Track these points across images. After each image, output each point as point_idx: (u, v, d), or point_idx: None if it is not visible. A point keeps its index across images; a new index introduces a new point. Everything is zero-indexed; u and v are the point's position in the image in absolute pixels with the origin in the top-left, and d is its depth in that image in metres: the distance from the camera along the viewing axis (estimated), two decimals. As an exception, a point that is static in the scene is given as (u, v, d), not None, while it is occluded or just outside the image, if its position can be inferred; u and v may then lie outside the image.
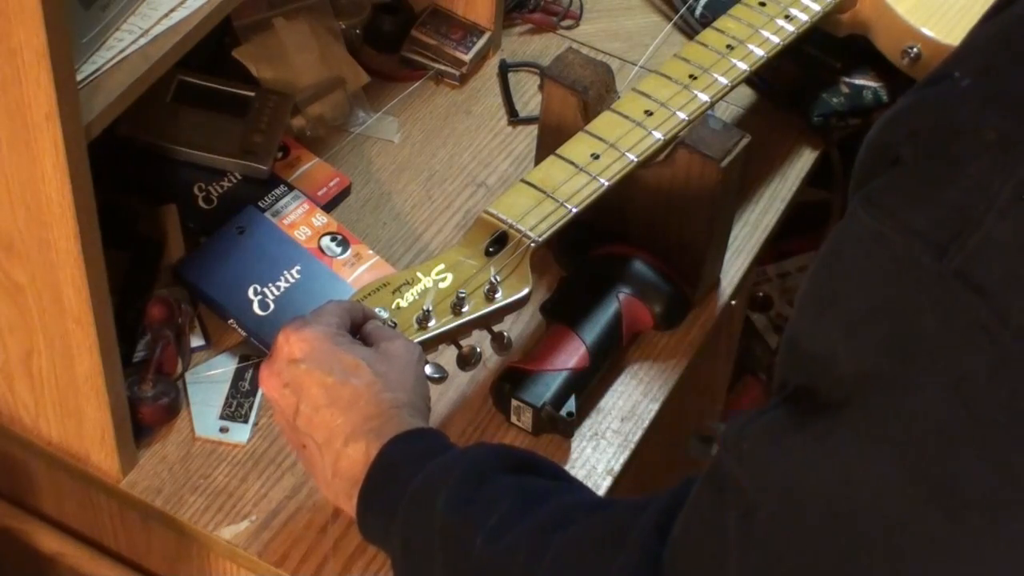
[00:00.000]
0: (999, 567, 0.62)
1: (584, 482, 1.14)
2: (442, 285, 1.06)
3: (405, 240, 1.32)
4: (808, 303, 0.68)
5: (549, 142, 1.22)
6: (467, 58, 1.47)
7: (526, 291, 1.08)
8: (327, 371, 0.94)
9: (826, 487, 0.65)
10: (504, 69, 1.49)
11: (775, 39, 1.30)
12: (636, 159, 1.17)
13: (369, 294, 1.05)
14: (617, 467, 1.16)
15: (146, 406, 1.13)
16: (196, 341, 1.20)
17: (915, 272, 0.61)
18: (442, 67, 1.47)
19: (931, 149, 0.62)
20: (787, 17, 1.32)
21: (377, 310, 1.03)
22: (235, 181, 1.30)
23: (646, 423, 1.19)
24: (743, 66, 1.27)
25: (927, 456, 0.61)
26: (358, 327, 1.00)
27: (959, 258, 0.59)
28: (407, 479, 0.88)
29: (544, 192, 1.13)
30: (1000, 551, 0.61)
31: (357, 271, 1.24)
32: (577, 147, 1.17)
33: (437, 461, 0.88)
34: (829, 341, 0.65)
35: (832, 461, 0.65)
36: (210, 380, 1.18)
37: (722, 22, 1.31)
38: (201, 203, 1.28)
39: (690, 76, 1.24)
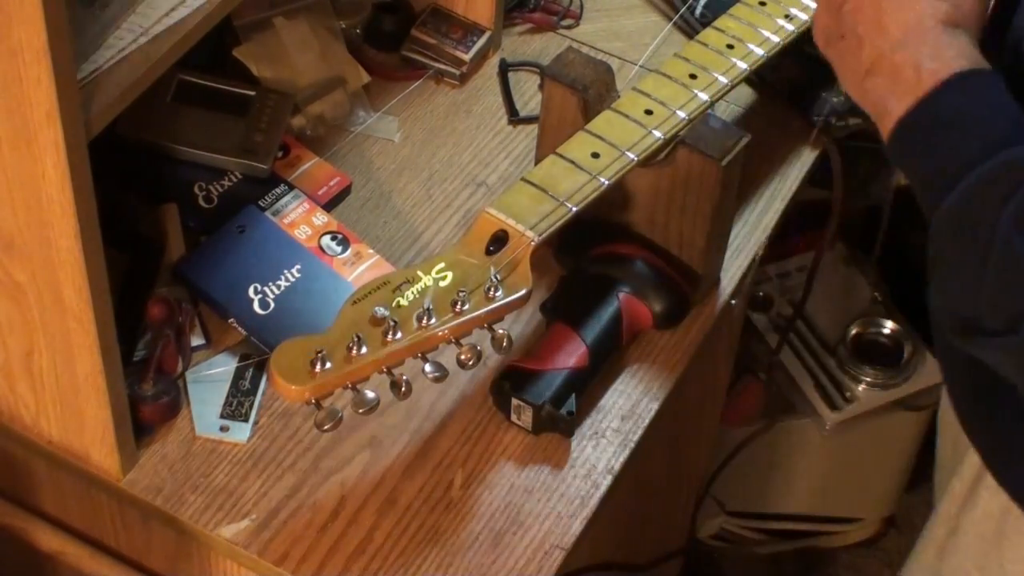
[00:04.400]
0: None
1: (584, 481, 1.15)
2: (442, 284, 1.06)
3: (405, 239, 1.32)
4: None
5: (549, 141, 1.22)
6: (467, 57, 1.47)
7: (526, 290, 1.08)
8: None
9: None
10: (504, 68, 1.49)
11: (775, 38, 1.30)
12: (636, 158, 1.17)
13: (369, 292, 1.05)
14: (617, 466, 1.16)
15: (146, 405, 1.13)
16: (196, 340, 1.20)
17: None
18: (442, 66, 1.47)
19: None
20: (787, 16, 1.32)
21: (377, 309, 1.03)
22: (235, 180, 1.30)
23: (646, 422, 1.20)
24: (743, 65, 1.27)
25: None
26: None
27: None
28: (965, 148, 0.83)
29: (544, 191, 1.13)
30: None
31: (357, 270, 1.24)
32: (577, 146, 1.17)
33: (1008, 155, 0.82)
34: None
35: None
36: (210, 379, 1.18)
37: (722, 21, 1.31)
38: (201, 202, 1.28)
39: (690, 75, 1.24)
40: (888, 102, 0.89)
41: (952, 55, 0.87)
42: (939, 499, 1.17)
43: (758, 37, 1.30)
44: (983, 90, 0.87)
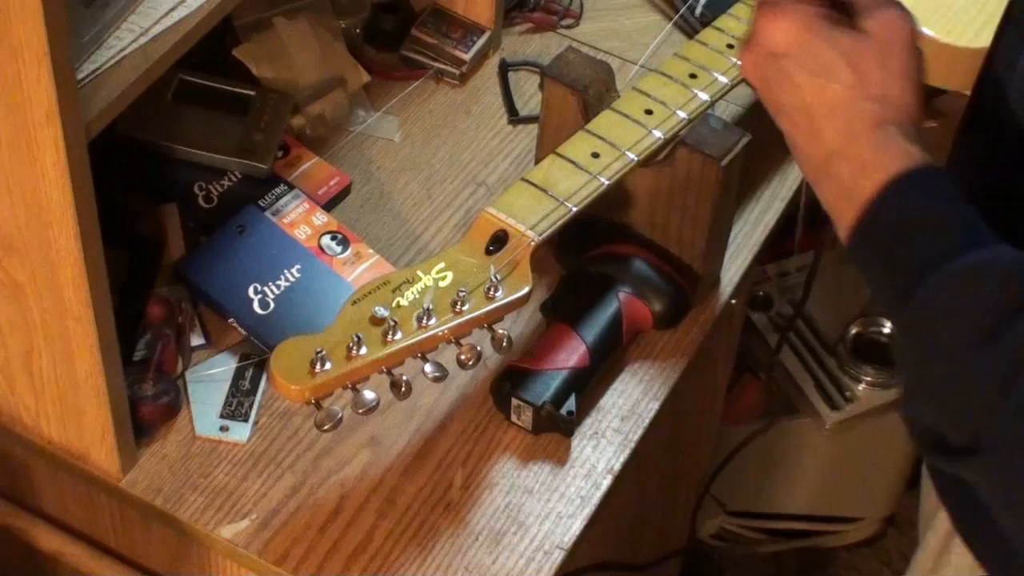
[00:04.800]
0: None
1: (584, 481, 1.15)
2: (442, 284, 1.06)
3: (405, 239, 1.32)
4: None
5: (549, 141, 1.22)
6: (467, 57, 1.47)
7: (526, 290, 1.08)
8: (807, 71, 0.88)
9: None
10: (504, 68, 1.49)
11: (775, 38, 1.30)
12: (636, 158, 1.17)
13: (369, 292, 1.05)
14: (617, 466, 1.16)
15: (146, 405, 1.13)
16: (196, 340, 1.20)
17: None
18: (442, 66, 1.47)
19: None
20: (787, 16, 1.32)
21: (377, 309, 1.03)
22: (235, 180, 1.30)
23: (646, 422, 1.19)
24: (743, 65, 1.27)
25: None
26: None
27: None
28: (912, 256, 0.82)
29: (544, 191, 1.13)
30: None
31: (357, 270, 1.24)
32: (577, 146, 1.17)
33: (960, 267, 0.80)
34: None
35: None
36: (210, 379, 1.18)
37: (722, 21, 1.31)
38: (201, 202, 1.28)
39: (690, 75, 1.24)
40: (838, 211, 0.88)
41: (887, 159, 0.85)
42: (920, 548, 1.15)
43: (758, 37, 1.30)
44: (923, 189, 0.85)
